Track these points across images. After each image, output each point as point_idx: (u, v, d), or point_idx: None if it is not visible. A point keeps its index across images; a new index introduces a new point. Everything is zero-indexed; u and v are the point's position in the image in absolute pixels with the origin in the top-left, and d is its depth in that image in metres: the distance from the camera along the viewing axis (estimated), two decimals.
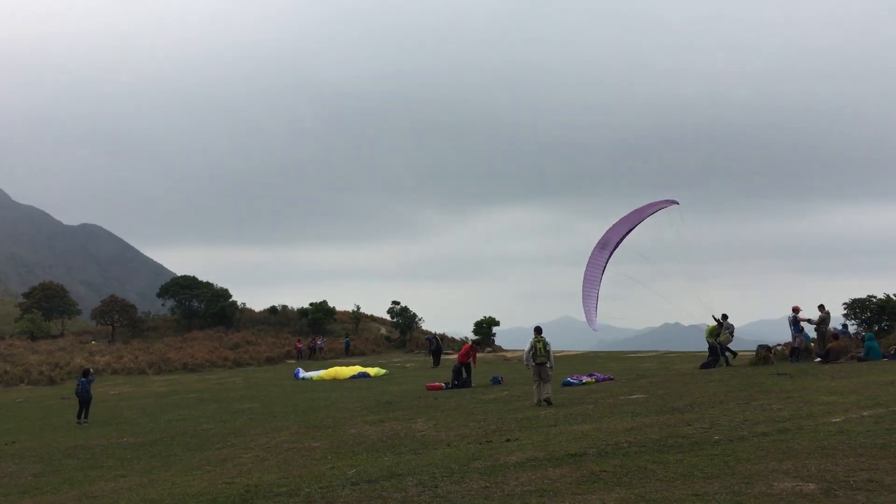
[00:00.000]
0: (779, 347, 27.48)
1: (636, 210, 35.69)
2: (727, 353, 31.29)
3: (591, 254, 36.99)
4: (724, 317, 31.20)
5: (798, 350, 25.40)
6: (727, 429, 11.97)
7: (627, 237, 36.55)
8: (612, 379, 25.25)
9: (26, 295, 71.41)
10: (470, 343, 30.02)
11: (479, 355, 50.90)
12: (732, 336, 31.28)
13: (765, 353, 25.59)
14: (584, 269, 37.26)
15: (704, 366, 26.65)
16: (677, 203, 33.93)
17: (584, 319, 39.01)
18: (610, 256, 36.84)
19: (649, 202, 34.63)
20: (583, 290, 36.61)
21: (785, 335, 27.64)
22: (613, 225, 36.43)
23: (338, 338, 62.75)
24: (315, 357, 55.30)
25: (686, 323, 36.19)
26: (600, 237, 36.60)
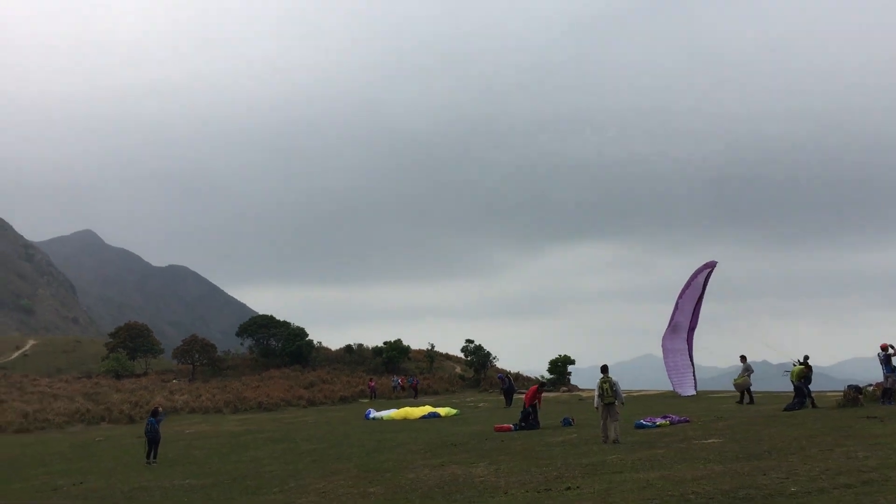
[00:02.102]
0: (870, 388, 25.71)
1: (689, 285, 36.94)
2: (749, 396, 30.23)
3: (664, 338, 38.04)
4: (743, 358, 30.71)
5: (890, 391, 23.71)
6: (805, 479, 11.03)
7: (694, 312, 37.49)
8: (687, 421, 24.07)
9: (112, 335, 73.93)
10: (536, 385, 29.22)
11: (552, 395, 49.97)
12: (750, 378, 30.36)
13: (853, 395, 23.99)
14: (662, 333, 38.34)
15: (788, 408, 25.18)
16: (716, 263, 36.02)
17: (664, 356, 39.16)
18: (690, 341, 37.65)
19: (693, 272, 36.74)
20: (671, 378, 37.62)
21: (879, 374, 25.93)
22: (676, 304, 37.60)
23: (400, 376, 62.50)
24: (417, 395, 54.59)
25: (774, 361, 35.16)
26: (669, 320, 37.58)
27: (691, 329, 39.11)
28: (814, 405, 25.03)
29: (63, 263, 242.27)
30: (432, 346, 72.22)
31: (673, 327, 38.81)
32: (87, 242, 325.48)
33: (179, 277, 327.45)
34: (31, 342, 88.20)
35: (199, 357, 68.72)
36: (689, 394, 37.93)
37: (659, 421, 23.93)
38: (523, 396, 29.53)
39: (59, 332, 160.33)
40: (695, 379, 39.39)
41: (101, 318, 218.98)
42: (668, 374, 39.18)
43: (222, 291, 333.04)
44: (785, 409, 25.08)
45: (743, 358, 30.99)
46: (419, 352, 72.50)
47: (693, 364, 39.53)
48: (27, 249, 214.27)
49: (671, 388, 40.19)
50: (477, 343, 65.90)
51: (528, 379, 60.59)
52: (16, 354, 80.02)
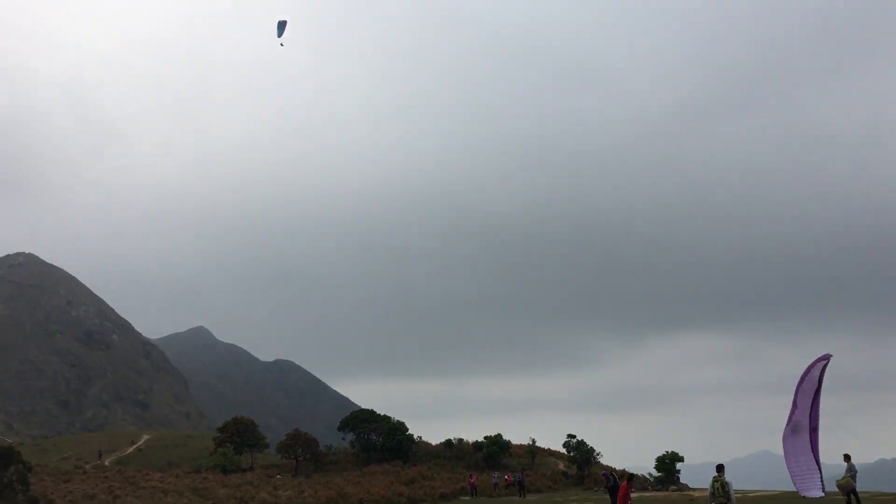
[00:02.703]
0: None
1: (803, 380, 35.41)
2: (855, 497, 28.23)
3: (784, 439, 36.18)
4: (846, 457, 29.03)
5: None
6: None
7: (812, 409, 35.74)
8: None
9: (220, 429, 75.83)
10: (625, 480, 28.14)
11: (661, 494, 47.82)
12: (854, 479, 28.41)
13: None
14: (782, 432, 36.50)
15: None
16: (830, 356, 34.70)
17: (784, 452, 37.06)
18: (815, 442, 35.96)
19: (807, 367, 35.43)
20: (795, 482, 35.92)
21: None
22: (794, 401, 35.87)
23: (506, 472, 61.25)
24: (524, 494, 53.22)
25: None
26: (787, 419, 35.99)
27: (813, 429, 37.04)
28: None
29: (177, 359, 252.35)
30: (533, 441, 70.93)
31: (793, 427, 36.83)
32: (200, 338, 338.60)
33: (285, 371, 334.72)
34: (145, 437, 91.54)
35: (302, 452, 69.46)
36: (817, 495, 35.61)
37: None
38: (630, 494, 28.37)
39: (172, 427, 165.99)
40: (822, 480, 37.07)
41: (211, 411, 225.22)
42: (792, 479, 37.15)
43: (325, 385, 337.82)
44: None
45: (847, 457, 29.47)
46: (520, 447, 71.19)
47: (819, 465, 37.23)
48: (145, 346, 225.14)
49: (792, 489, 37.86)
50: (579, 438, 64.35)
51: (635, 477, 58.26)
52: (131, 449, 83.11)
